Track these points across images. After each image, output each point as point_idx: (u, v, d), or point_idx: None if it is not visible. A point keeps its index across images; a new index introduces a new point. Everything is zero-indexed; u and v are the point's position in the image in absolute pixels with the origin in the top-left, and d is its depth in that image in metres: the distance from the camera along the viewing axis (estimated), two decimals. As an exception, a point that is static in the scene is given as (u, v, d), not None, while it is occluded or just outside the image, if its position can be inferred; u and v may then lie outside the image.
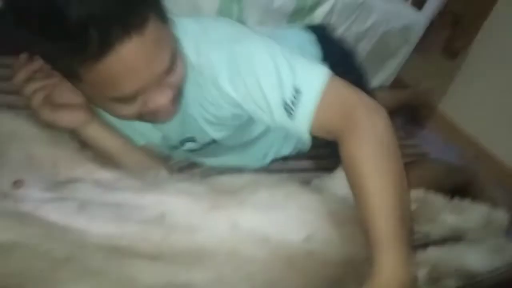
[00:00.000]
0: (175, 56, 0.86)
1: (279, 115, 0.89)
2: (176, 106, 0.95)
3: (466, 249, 0.95)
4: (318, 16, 1.74)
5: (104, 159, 0.99)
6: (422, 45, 2.18)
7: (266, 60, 0.90)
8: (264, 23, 1.58)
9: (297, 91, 0.86)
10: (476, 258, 0.92)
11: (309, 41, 1.38)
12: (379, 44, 2.02)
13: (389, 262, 0.73)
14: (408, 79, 2.32)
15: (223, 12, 1.49)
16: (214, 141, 1.14)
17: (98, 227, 0.76)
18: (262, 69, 0.89)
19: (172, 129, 1.12)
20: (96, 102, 0.90)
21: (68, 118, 0.94)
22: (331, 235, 0.86)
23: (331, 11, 1.76)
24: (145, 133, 1.14)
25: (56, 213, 0.76)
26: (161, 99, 0.87)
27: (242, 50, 0.92)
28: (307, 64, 0.91)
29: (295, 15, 1.67)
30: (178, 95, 0.94)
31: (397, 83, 2.26)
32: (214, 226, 0.80)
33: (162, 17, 0.82)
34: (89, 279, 0.72)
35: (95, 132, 0.99)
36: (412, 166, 1.44)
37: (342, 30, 1.85)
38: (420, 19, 2.08)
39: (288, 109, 0.87)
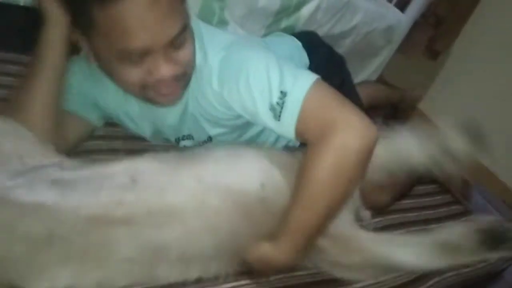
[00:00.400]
0: (185, 30, 0.89)
1: (267, 118, 0.92)
2: (179, 90, 0.97)
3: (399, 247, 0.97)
4: (304, 15, 1.76)
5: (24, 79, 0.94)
6: (405, 46, 2.23)
7: (260, 65, 0.93)
8: (249, 22, 1.60)
9: (284, 95, 0.88)
10: (408, 257, 0.94)
11: (297, 48, 1.43)
12: (362, 43, 2.05)
13: (286, 244, 0.85)
14: (390, 78, 2.36)
15: (204, 10, 1.51)
16: (210, 139, 1.16)
17: (72, 200, 0.76)
18: (253, 74, 0.92)
19: (170, 126, 1.14)
20: (104, 59, 0.88)
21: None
22: (282, 184, 0.91)
23: (316, 9, 1.78)
24: (137, 122, 1.17)
25: (27, 194, 0.75)
26: (166, 70, 0.88)
27: (239, 55, 0.97)
28: (297, 70, 0.94)
29: (281, 14, 1.69)
30: (183, 79, 0.96)
31: (379, 82, 2.30)
32: (181, 184, 0.85)
33: None
34: (72, 259, 0.75)
35: (53, 36, 0.91)
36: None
37: (327, 28, 1.87)
38: (403, 20, 2.12)
39: (275, 112, 0.90)
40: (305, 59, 1.41)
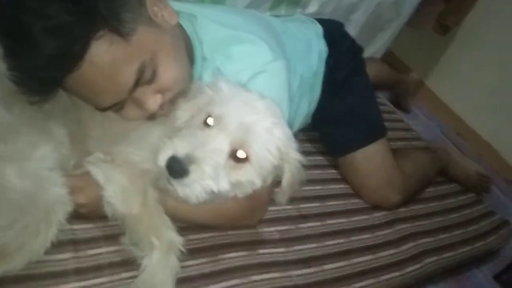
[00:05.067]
0: (149, 66, 0.88)
1: None
2: (174, 105, 0.96)
3: None
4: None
5: None
6: (414, 19, 2.17)
7: None
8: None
9: None
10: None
11: (316, 34, 1.40)
12: (372, 15, 1.99)
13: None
14: (398, 52, 2.32)
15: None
16: None
17: None
18: None
19: None
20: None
21: None
22: None
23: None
24: None
25: None
26: (151, 103, 0.92)
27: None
28: None
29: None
30: (177, 97, 0.95)
31: (387, 56, 2.25)
32: None
33: (121, 31, 0.82)
34: None
35: None
36: (402, 158, 1.50)
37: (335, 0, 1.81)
38: (414, -8, 2.05)
39: None
40: (323, 47, 1.39)
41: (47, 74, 0.80)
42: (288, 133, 0.89)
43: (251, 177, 0.86)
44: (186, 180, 0.80)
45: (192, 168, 0.79)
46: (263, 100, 0.89)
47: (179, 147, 0.80)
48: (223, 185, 0.83)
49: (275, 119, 0.87)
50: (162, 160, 0.80)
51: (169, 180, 0.81)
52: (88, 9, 0.79)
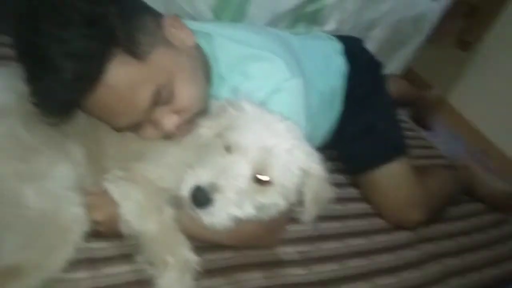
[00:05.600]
0: (166, 87, 0.88)
1: None
2: (192, 125, 0.95)
3: None
4: (330, 1, 1.70)
5: None
6: (434, 36, 2.14)
7: None
8: (273, 7, 1.55)
9: None
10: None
11: (335, 51, 1.39)
12: (391, 32, 1.97)
13: None
14: (419, 69, 2.28)
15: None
16: None
17: None
18: None
19: None
20: None
21: None
22: None
23: (343, -4, 1.71)
24: None
25: None
26: (168, 123, 0.93)
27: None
28: None
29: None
30: (195, 117, 0.95)
31: (407, 73, 2.22)
32: None
33: (138, 54, 0.83)
34: None
35: None
36: (425, 176, 1.47)
37: (355, 16, 1.80)
38: (434, 8, 2.03)
39: None
40: (342, 63, 1.38)
41: (65, 97, 0.82)
42: (309, 150, 0.88)
43: (275, 199, 0.85)
44: (211, 209, 0.79)
45: (216, 197, 0.79)
46: (284, 122, 0.88)
47: (201, 176, 0.80)
48: (247, 210, 0.82)
49: (295, 140, 0.86)
50: (186, 190, 0.80)
51: (194, 209, 0.80)
52: (105, 32, 0.80)
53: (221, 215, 0.80)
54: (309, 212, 0.88)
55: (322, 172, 0.87)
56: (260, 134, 0.84)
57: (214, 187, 0.79)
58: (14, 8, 0.83)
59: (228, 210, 0.80)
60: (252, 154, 0.81)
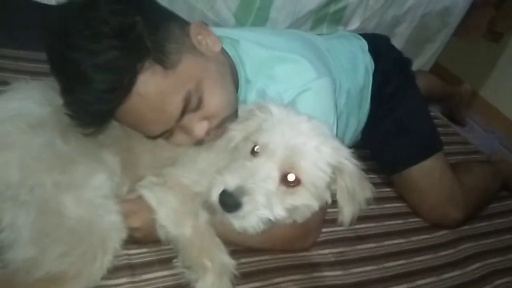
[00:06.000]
0: (195, 94, 0.90)
1: None
2: (222, 130, 0.96)
3: None
4: (352, 0, 1.69)
5: None
6: (462, 29, 2.08)
7: None
8: (296, 7, 1.55)
9: None
10: None
11: (361, 49, 1.39)
12: (417, 27, 1.94)
13: None
14: (449, 64, 2.23)
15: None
16: None
17: None
18: None
19: None
20: None
21: None
22: None
23: (367, -6, 1.70)
24: None
25: None
26: (198, 130, 0.94)
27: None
28: None
29: None
30: (224, 122, 0.96)
31: (436, 69, 2.17)
32: None
33: (166, 63, 0.85)
34: None
35: None
36: (462, 172, 1.43)
37: (380, 14, 1.78)
38: (460, 1, 1.97)
39: None
40: (368, 61, 1.37)
41: (98, 108, 0.84)
42: (337, 145, 0.86)
43: (306, 200, 0.84)
44: (241, 212, 0.79)
45: (245, 200, 0.78)
46: (310, 121, 0.87)
47: (229, 180, 0.79)
48: (278, 212, 0.81)
49: (321, 137, 0.85)
50: (215, 195, 0.80)
51: (224, 214, 0.80)
52: (134, 43, 0.82)
53: (251, 218, 0.79)
54: (345, 212, 0.85)
55: (354, 168, 0.85)
56: (286, 134, 0.83)
57: (242, 191, 0.78)
58: (46, 24, 0.86)
59: (258, 213, 0.79)
60: (278, 154, 0.81)
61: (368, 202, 0.87)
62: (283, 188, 0.82)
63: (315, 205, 0.85)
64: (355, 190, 0.84)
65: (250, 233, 0.80)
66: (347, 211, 0.85)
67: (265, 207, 0.79)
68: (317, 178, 0.82)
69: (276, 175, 0.81)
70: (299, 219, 0.87)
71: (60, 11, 0.87)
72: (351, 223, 0.87)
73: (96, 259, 0.83)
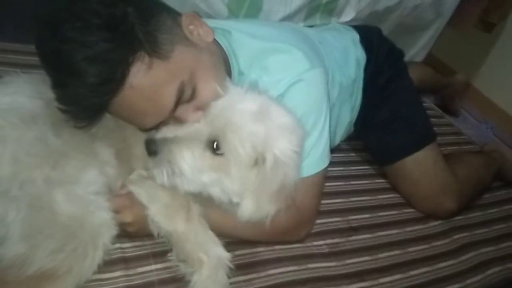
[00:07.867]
0: (188, 85, 0.88)
1: None
2: None
3: None
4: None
5: None
6: (455, 19, 2.08)
7: None
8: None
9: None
10: None
11: (352, 42, 1.38)
12: (410, 17, 1.93)
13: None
14: (442, 55, 2.23)
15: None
16: None
17: None
18: None
19: None
20: None
21: None
22: None
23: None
24: None
25: None
26: (193, 119, 0.91)
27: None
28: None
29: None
30: None
31: (430, 59, 2.17)
32: None
33: (159, 53, 0.83)
34: None
35: None
36: (455, 163, 1.43)
37: (371, 5, 1.77)
38: (453, -10, 1.97)
39: None
40: (360, 53, 1.36)
41: (90, 101, 0.82)
42: (288, 140, 0.84)
43: (224, 173, 0.83)
44: (156, 159, 0.83)
45: (163, 149, 0.83)
46: (275, 106, 0.88)
47: (162, 131, 0.85)
48: (195, 168, 0.83)
49: (271, 123, 0.83)
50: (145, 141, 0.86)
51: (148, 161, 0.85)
52: (125, 35, 0.80)
53: (163, 167, 0.83)
54: (244, 206, 0.83)
55: (282, 172, 0.81)
56: (229, 105, 0.85)
57: (165, 141, 0.83)
58: (36, 16, 0.85)
59: (175, 161, 0.82)
60: (211, 119, 0.84)
61: (267, 217, 0.84)
62: (208, 153, 0.83)
63: (232, 186, 0.84)
64: (265, 189, 0.82)
65: (169, 184, 0.84)
66: (247, 206, 0.83)
67: (184, 160, 0.83)
68: (237, 155, 0.81)
69: (203, 135, 0.84)
70: (220, 193, 0.86)
71: (50, 2, 0.84)
72: (264, 217, 0.85)
73: (87, 255, 0.83)
